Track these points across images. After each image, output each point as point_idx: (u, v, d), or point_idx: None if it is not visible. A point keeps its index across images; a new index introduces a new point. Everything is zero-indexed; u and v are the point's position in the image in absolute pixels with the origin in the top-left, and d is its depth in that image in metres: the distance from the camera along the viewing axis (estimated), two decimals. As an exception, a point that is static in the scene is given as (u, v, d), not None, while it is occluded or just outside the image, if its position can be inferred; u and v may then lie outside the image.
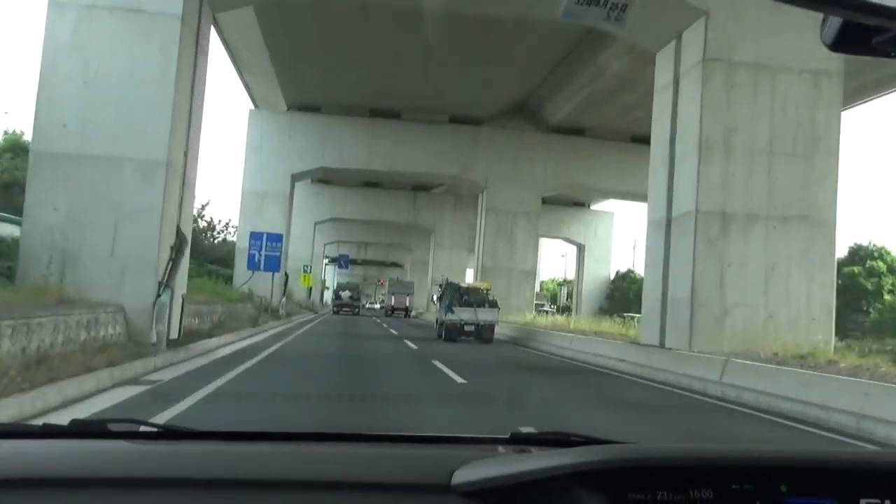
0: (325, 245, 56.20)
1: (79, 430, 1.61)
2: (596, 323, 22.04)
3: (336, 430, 1.75)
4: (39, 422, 1.74)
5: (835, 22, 0.90)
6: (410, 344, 18.78)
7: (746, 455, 1.36)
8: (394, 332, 26.09)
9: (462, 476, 1.26)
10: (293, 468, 1.37)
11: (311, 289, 46.41)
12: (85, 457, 1.39)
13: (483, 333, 21.54)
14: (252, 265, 26.98)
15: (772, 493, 1.25)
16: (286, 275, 31.50)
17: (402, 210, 47.98)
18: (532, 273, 32.52)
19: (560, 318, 27.33)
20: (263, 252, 26.89)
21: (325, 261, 66.91)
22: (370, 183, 47.24)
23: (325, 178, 45.41)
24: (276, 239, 27.01)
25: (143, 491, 1.25)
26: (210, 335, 13.96)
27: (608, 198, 40.84)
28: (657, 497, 1.23)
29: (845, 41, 0.91)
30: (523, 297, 31.67)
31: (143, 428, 1.63)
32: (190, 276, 25.18)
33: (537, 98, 30.53)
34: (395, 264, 75.88)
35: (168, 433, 1.68)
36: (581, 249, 49.56)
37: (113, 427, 1.60)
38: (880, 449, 4.04)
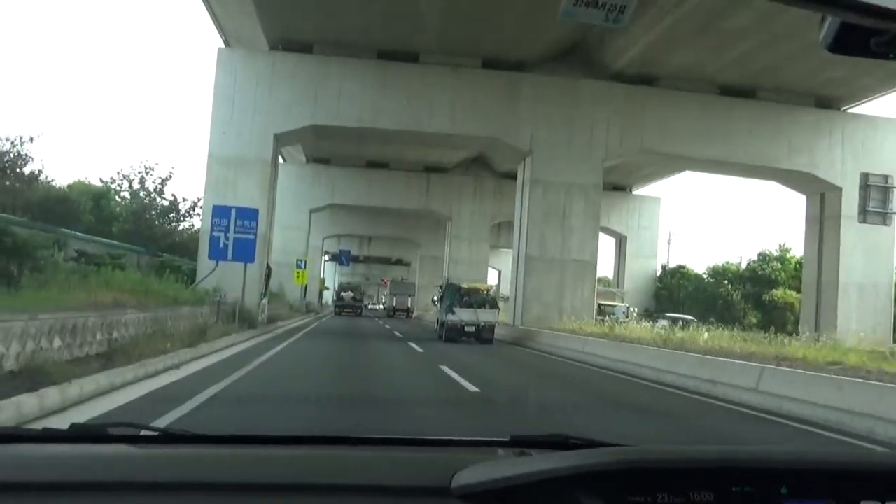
0: (323, 239, 48.72)
1: (78, 433, 1.58)
2: (748, 340, 14.13)
3: (336, 433, 1.74)
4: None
5: (833, 23, 0.90)
6: (459, 378, 11.10)
7: (746, 457, 1.36)
8: (417, 348, 18.33)
9: (462, 479, 1.25)
10: (293, 471, 1.36)
11: (306, 287, 39.65)
12: (85, 461, 1.39)
13: (483, 334, 21.45)
14: (216, 253, 19.35)
15: (772, 496, 1.24)
16: (268, 268, 23.84)
17: (412, 196, 40.74)
18: (593, 265, 24.81)
19: (655, 329, 19.31)
20: (231, 234, 19.26)
21: (326, 258, 60.40)
22: (375, 163, 39.93)
23: (319, 153, 38.08)
24: (248, 216, 19.39)
25: (143, 495, 1.24)
26: (31, 387, 6.14)
27: (685, 169, 33.01)
28: (657, 499, 1.22)
29: (844, 43, 0.90)
30: (580, 297, 24.06)
31: (142, 432, 1.63)
32: (111, 267, 17.36)
33: (598, 33, 22.86)
34: (400, 262, 69.38)
35: (168, 437, 1.66)
36: (622, 241, 42.28)
37: (113, 431, 1.59)
38: (880, 450, 4.10)
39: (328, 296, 69.54)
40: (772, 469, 1.30)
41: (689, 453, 1.36)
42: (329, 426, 6.03)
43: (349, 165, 40.25)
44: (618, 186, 41.30)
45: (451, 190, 40.81)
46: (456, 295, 22.02)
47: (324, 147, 36.07)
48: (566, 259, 23.92)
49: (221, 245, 19.21)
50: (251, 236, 19.33)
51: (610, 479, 1.23)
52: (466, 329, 21.38)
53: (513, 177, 28.15)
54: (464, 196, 40.83)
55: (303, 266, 34.59)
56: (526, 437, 1.74)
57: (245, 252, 19.17)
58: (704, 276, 43.51)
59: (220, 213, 19.35)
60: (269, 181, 23.56)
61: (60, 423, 5.65)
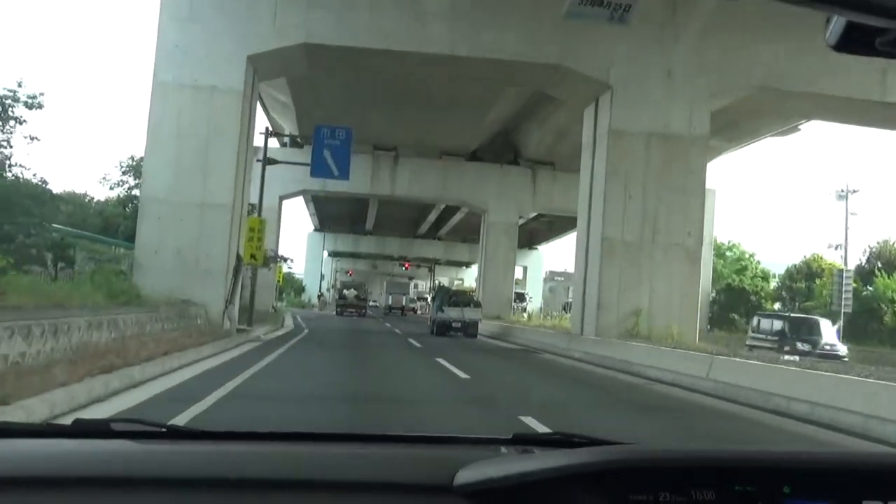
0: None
1: (82, 429, 1.59)
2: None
3: (339, 430, 1.82)
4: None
5: (839, 23, 0.91)
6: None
7: (749, 456, 1.37)
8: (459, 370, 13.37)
9: (464, 477, 1.26)
10: (295, 468, 1.37)
11: None
12: (88, 456, 1.39)
13: (468, 329, 25.57)
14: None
15: (774, 495, 1.24)
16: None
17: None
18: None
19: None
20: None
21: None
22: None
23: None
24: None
25: (146, 491, 1.24)
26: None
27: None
28: (659, 498, 1.23)
29: (849, 42, 0.91)
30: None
31: (146, 427, 1.62)
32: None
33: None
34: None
35: (171, 433, 1.68)
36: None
37: (116, 426, 1.59)
38: (882, 450, 3.96)
39: (313, 288, 62.98)
40: (774, 468, 1.29)
41: (691, 453, 1.35)
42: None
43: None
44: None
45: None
46: (445, 296, 26.39)
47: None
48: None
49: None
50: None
51: (612, 477, 1.24)
52: (454, 325, 24.88)
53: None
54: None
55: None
56: (529, 435, 1.76)
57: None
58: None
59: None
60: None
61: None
